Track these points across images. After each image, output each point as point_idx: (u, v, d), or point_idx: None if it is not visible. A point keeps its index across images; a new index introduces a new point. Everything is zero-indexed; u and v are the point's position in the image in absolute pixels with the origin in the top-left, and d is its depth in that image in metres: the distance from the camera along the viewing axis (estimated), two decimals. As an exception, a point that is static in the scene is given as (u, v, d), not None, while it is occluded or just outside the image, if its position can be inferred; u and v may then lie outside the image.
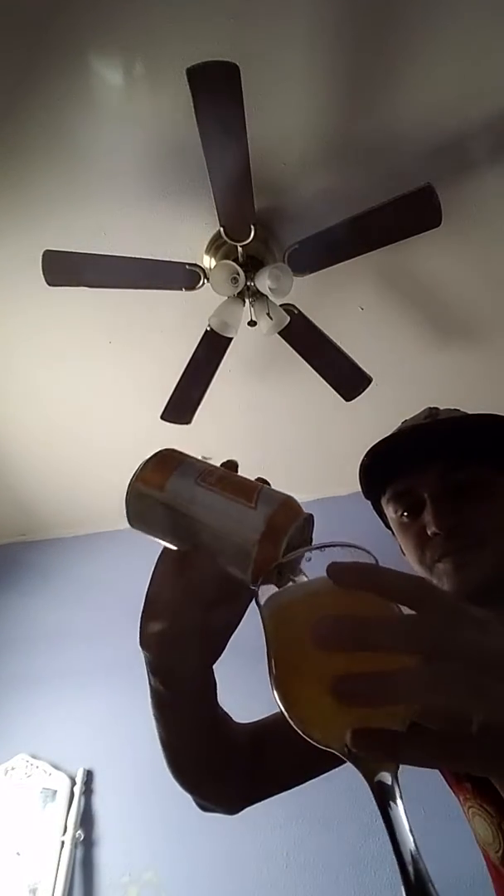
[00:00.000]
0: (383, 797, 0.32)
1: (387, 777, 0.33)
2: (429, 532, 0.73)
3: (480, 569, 0.69)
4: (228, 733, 0.63)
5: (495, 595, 0.72)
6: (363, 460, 0.80)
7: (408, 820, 0.32)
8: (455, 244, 1.97)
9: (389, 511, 0.82)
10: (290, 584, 0.38)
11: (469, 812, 0.67)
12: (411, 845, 0.31)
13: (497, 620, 0.32)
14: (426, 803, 1.91)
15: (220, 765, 0.63)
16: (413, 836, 0.32)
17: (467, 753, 0.31)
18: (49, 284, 1.76)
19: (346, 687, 0.29)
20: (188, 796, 0.64)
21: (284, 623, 0.36)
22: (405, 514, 0.78)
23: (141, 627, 0.49)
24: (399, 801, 0.32)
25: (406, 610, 0.33)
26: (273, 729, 0.67)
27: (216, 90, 1.33)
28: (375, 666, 0.30)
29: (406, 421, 0.85)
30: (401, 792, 0.32)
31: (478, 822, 0.70)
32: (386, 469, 0.80)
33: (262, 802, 0.70)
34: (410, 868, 0.31)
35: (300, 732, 0.35)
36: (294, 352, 2.02)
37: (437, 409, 0.84)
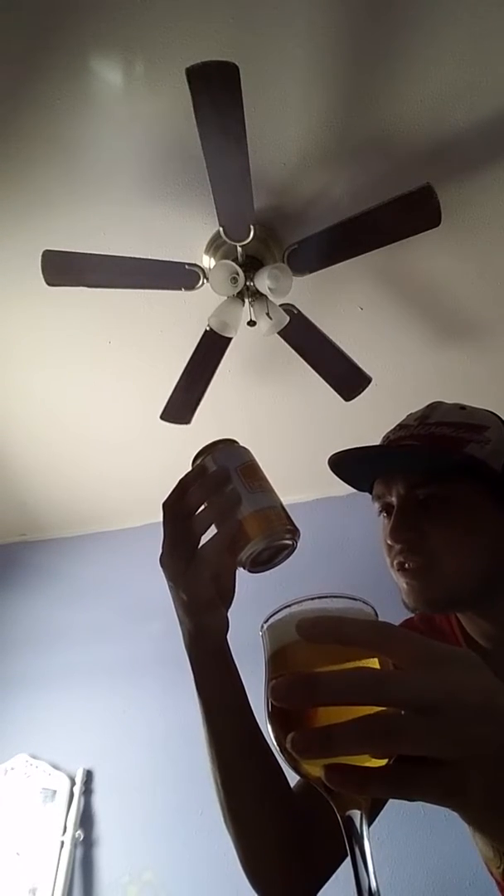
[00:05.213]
0: (350, 833, 0.34)
1: (356, 814, 0.34)
2: (388, 541, 0.73)
3: (429, 590, 0.69)
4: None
5: (449, 610, 0.75)
6: (330, 466, 0.80)
7: (372, 860, 0.34)
8: (455, 244, 1.97)
9: (374, 505, 0.81)
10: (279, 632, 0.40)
11: (470, 828, 0.67)
12: (372, 884, 0.33)
13: (460, 658, 0.34)
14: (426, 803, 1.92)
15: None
16: (374, 875, 0.33)
17: (437, 790, 0.32)
18: (48, 284, 1.76)
19: (294, 744, 0.32)
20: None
21: (268, 670, 0.39)
22: (382, 512, 0.78)
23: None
24: (365, 840, 0.34)
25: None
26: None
27: (216, 90, 1.33)
28: (338, 717, 0.32)
29: (410, 414, 0.83)
30: (368, 831, 0.35)
31: (479, 838, 0.70)
32: (359, 474, 0.80)
33: None
34: None
35: (289, 767, 0.37)
36: (294, 352, 2.02)
37: (438, 404, 0.81)
